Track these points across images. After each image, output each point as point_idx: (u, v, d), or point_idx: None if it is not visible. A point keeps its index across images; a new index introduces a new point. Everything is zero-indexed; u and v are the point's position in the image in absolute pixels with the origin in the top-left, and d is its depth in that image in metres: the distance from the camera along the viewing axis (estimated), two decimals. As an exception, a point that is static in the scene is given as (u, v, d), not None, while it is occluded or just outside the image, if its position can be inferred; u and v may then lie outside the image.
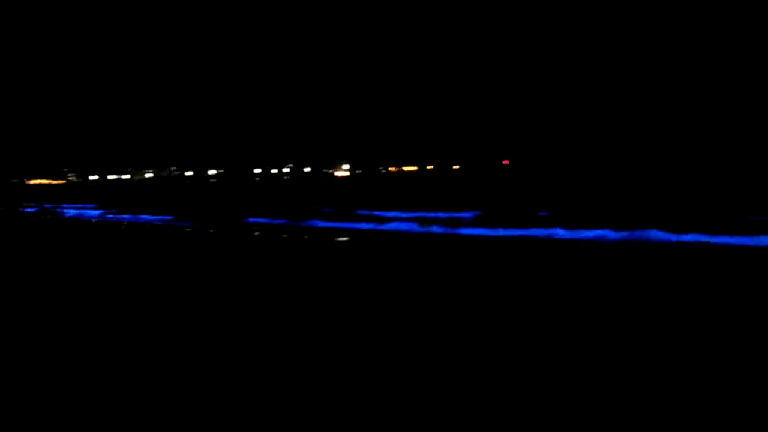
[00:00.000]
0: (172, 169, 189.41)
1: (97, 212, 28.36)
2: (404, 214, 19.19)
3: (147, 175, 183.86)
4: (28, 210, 33.88)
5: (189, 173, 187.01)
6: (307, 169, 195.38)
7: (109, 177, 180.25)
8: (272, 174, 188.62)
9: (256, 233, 16.49)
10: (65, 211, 30.61)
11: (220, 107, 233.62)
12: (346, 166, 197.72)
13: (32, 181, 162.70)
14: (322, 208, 21.31)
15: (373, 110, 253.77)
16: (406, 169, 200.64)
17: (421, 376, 4.56)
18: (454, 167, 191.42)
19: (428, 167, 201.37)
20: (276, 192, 50.76)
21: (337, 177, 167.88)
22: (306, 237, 15.15)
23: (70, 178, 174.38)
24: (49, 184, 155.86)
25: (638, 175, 57.84)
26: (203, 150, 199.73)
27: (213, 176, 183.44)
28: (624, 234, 13.34)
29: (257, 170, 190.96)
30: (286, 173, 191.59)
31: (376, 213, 19.77)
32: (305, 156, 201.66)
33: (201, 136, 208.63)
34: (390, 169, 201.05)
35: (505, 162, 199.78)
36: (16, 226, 21.46)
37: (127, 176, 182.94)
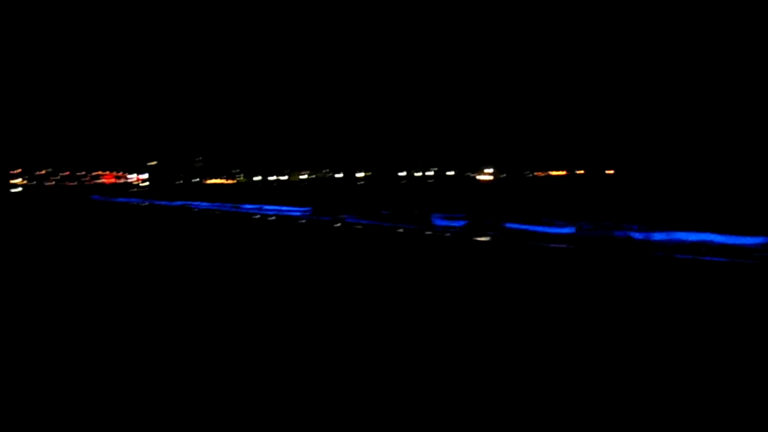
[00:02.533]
0: (325, 171, 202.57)
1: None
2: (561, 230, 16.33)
3: (302, 177, 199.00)
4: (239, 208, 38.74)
5: (339, 175, 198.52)
6: (450, 173, 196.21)
7: (270, 178, 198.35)
8: (416, 177, 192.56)
9: (400, 230, 17.17)
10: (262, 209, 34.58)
11: (367, 112, 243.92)
12: (490, 170, 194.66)
13: (208, 181, 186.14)
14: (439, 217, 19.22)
15: (519, 112, 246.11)
16: (553, 173, 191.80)
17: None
18: (607, 172, 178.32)
19: (578, 172, 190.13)
20: (417, 196, 51.44)
21: (481, 181, 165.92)
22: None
23: (238, 179, 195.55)
24: (223, 184, 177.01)
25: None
26: (352, 152, 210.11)
27: (361, 178, 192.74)
28: None
29: (402, 173, 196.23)
30: (430, 176, 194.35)
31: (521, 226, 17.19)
32: (449, 159, 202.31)
33: (351, 140, 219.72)
34: (536, 173, 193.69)
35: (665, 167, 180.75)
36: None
37: (285, 177, 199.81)
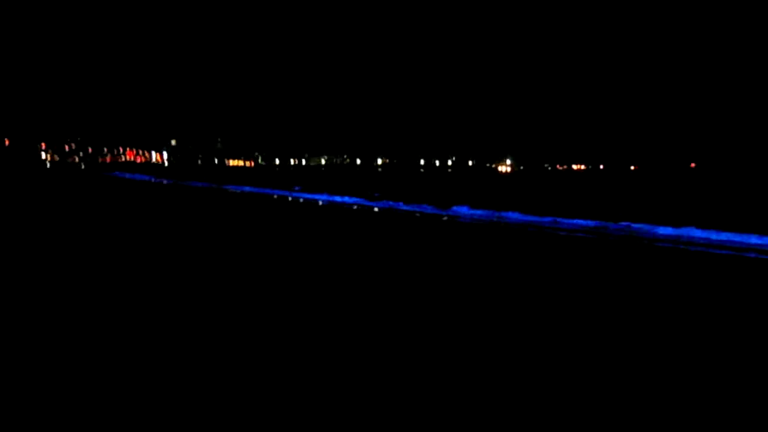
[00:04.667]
0: (344, 156, 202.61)
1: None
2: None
3: (321, 161, 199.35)
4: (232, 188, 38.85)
5: (358, 161, 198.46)
6: (470, 163, 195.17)
7: (291, 161, 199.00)
8: (436, 166, 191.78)
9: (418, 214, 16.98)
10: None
11: (390, 100, 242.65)
12: (509, 161, 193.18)
13: (230, 162, 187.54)
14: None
15: (542, 105, 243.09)
16: (575, 167, 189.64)
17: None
18: (632, 168, 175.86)
19: (600, 166, 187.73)
20: (433, 183, 50.82)
21: (501, 172, 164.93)
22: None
23: (259, 162, 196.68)
24: (243, 166, 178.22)
25: None
26: (373, 139, 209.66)
27: (380, 165, 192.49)
28: None
29: (422, 161, 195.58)
30: (450, 165, 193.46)
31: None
32: (470, 149, 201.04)
33: (372, 127, 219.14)
34: (557, 166, 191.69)
35: (692, 165, 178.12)
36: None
37: (304, 161, 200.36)
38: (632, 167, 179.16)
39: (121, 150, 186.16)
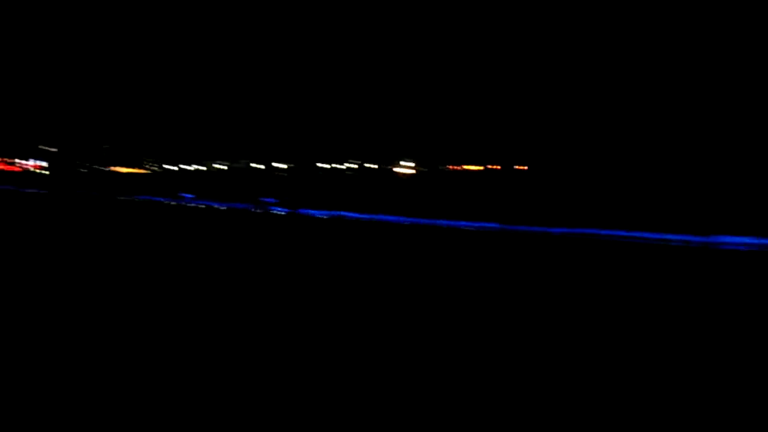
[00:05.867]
0: (241, 161, 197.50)
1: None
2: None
3: (219, 167, 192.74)
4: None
5: (258, 166, 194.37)
6: (371, 166, 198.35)
7: (183, 167, 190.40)
8: (336, 169, 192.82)
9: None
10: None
11: (287, 104, 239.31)
12: (409, 164, 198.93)
13: (114, 168, 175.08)
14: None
15: (437, 108, 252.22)
16: (467, 167, 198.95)
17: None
18: (520, 167, 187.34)
19: (492, 167, 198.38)
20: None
21: (399, 174, 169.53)
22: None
23: (147, 168, 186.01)
24: (131, 173, 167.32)
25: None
26: (271, 144, 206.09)
27: (278, 169, 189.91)
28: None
29: (323, 165, 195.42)
30: (351, 169, 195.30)
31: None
32: (369, 152, 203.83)
33: (269, 132, 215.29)
34: (449, 167, 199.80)
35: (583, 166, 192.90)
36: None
37: (202, 167, 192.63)
38: (518, 167, 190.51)
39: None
